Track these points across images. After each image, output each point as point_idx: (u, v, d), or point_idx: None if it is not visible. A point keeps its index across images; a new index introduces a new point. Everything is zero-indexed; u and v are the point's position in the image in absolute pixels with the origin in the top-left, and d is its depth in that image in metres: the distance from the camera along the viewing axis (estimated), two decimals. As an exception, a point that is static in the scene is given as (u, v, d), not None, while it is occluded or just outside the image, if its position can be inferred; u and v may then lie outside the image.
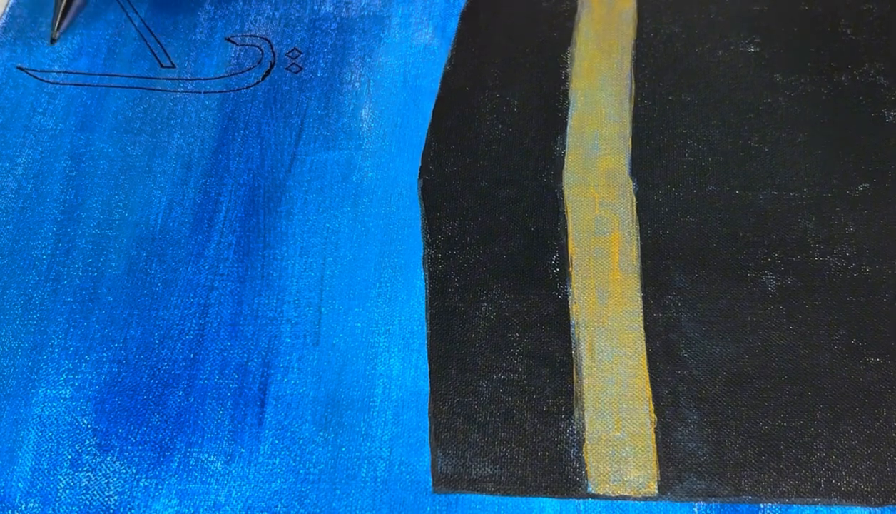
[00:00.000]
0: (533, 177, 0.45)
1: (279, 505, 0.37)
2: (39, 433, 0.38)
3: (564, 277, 0.42)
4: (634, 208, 0.44)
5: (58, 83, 0.49)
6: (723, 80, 0.49)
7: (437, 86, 0.49)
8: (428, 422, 0.39)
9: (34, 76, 0.49)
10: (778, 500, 0.36)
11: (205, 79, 0.49)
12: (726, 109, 0.47)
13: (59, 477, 0.37)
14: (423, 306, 0.42)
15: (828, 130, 0.47)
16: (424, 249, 0.43)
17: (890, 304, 0.41)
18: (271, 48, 0.50)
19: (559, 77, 0.49)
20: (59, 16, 0.49)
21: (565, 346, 0.40)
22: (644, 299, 0.42)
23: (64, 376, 0.40)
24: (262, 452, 0.38)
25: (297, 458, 0.38)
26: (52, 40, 0.49)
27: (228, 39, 0.51)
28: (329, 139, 0.47)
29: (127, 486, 0.37)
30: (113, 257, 0.43)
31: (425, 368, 0.40)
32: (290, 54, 0.50)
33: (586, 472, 0.37)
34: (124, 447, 0.38)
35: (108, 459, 0.38)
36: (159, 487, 0.37)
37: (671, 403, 0.39)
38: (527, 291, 0.42)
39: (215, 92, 0.49)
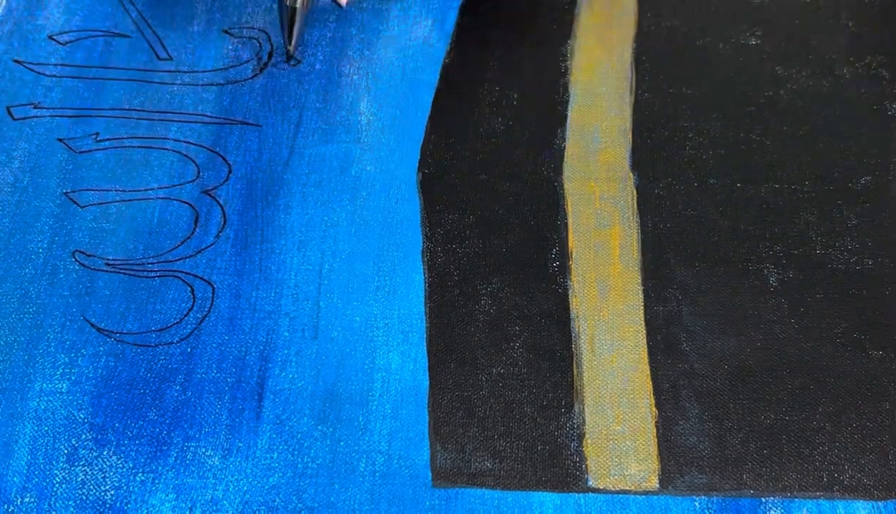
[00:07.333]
0: (533, 170, 0.45)
1: (277, 500, 0.37)
2: (35, 428, 0.38)
3: (564, 270, 0.42)
4: (635, 202, 0.44)
5: (55, 76, 0.48)
6: (724, 73, 0.48)
7: (436, 79, 0.49)
8: (427, 416, 0.38)
9: (31, 69, 0.49)
10: (780, 494, 0.36)
11: (202, 71, 0.49)
12: (727, 101, 0.47)
13: (56, 472, 0.37)
14: (423, 300, 0.41)
15: (829, 122, 0.46)
16: (423, 242, 0.43)
17: (892, 297, 0.41)
18: (269, 41, 0.50)
19: (559, 70, 0.49)
20: (288, 29, 0.48)
21: (565, 340, 0.40)
22: (645, 292, 0.41)
23: (60, 370, 0.39)
24: (259, 446, 0.38)
25: (296, 452, 0.38)
26: (289, 55, 0.48)
27: (226, 32, 0.50)
28: (327, 132, 0.47)
29: (124, 481, 0.37)
30: (110, 251, 0.43)
31: (424, 362, 0.40)
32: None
33: (586, 466, 0.37)
34: (121, 442, 0.38)
35: (105, 453, 0.38)
36: (156, 481, 0.37)
37: (672, 397, 0.39)
38: (527, 284, 0.42)
39: (213, 85, 0.48)
